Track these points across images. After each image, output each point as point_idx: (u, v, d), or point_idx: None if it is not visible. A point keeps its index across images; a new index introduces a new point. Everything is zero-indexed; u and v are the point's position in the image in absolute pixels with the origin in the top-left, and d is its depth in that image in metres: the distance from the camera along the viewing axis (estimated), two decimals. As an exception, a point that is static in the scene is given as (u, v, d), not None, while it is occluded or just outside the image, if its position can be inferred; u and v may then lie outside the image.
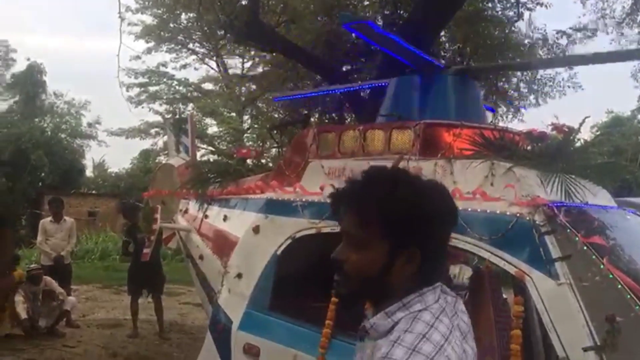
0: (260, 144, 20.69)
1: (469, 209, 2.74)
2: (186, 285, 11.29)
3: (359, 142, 3.67)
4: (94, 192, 26.42)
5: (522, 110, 13.36)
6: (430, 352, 1.28)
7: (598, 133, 24.01)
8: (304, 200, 3.49)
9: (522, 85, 12.54)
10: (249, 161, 5.11)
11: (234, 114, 24.17)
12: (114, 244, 15.21)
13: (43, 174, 23.21)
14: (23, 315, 7.21)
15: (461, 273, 5.26)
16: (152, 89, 24.43)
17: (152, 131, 25.86)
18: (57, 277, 8.15)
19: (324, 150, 3.88)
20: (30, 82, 25.21)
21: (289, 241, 3.45)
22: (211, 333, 3.72)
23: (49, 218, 8.69)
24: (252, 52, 15.64)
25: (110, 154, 38.69)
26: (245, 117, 23.92)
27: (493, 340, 3.15)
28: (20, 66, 27.36)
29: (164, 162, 6.37)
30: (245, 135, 24.35)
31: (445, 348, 1.31)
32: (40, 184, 23.25)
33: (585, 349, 2.18)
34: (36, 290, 7.56)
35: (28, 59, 26.05)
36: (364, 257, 1.41)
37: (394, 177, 1.45)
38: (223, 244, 4.13)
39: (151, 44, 20.51)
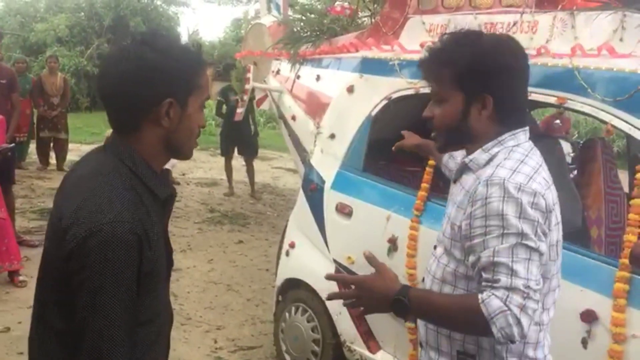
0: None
1: (592, 67, 2.45)
2: (278, 151, 11.57)
3: (465, -6, 3.31)
4: (189, 59, 26.75)
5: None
6: (529, 172, 1.53)
7: None
8: (402, 58, 3.26)
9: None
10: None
11: (326, -21, 23.17)
12: (209, 110, 15.64)
13: (142, 41, 23.62)
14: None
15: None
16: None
17: (244, -3, 25.39)
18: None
19: (425, 4, 3.54)
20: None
21: (384, 102, 3.28)
22: (304, 192, 3.73)
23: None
24: None
25: (203, 23, 38.61)
26: (338, -17, 22.87)
27: (602, 212, 2.96)
28: None
29: (254, 22, 6.17)
30: (337, 2, 23.44)
31: (539, 172, 1.56)
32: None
33: None
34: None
35: None
36: (445, 110, 1.65)
37: (463, 36, 1.64)
38: (316, 105, 4.02)
39: None
